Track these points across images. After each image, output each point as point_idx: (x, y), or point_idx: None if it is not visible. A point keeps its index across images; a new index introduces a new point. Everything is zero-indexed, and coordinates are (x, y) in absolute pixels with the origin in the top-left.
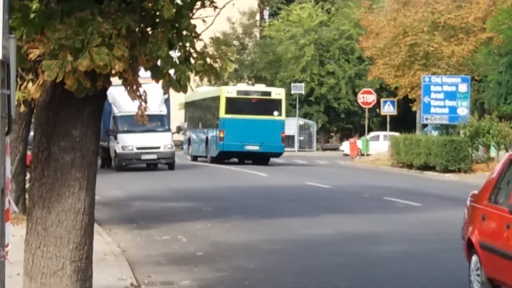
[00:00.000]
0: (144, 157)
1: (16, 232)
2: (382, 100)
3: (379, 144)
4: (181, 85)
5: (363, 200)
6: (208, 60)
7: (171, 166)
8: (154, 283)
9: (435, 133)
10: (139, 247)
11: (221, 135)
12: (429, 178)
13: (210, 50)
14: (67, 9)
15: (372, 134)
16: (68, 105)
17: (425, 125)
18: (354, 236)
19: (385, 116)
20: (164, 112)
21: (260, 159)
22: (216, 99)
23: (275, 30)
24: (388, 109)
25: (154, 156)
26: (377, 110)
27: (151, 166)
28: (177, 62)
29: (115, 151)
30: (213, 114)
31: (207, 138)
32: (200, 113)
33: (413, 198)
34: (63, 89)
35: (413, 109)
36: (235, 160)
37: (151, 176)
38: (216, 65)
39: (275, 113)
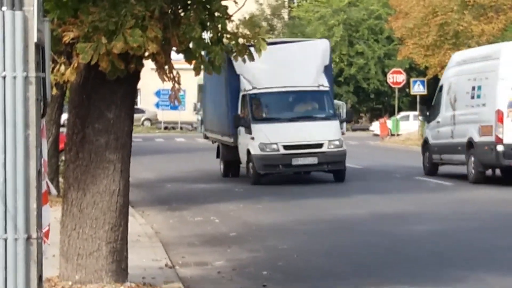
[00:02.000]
0: (296, 161)
1: (51, 214)
2: (411, 80)
3: (409, 124)
4: (214, 66)
5: (394, 180)
6: (241, 40)
7: (339, 175)
8: (188, 263)
9: None
10: (172, 228)
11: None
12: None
13: (242, 30)
14: None
15: (402, 114)
16: (101, 87)
17: None
18: (386, 216)
19: (415, 96)
20: (326, 87)
21: None
22: None
23: (304, 11)
24: (418, 88)
25: (312, 160)
26: (407, 90)
27: (301, 173)
28: (210, 43)
29: (248, 151)
30: None
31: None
32: None
33: (444, 178)
34: (97, 72)
35: None
36: None
37: (181, 158)
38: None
39: None
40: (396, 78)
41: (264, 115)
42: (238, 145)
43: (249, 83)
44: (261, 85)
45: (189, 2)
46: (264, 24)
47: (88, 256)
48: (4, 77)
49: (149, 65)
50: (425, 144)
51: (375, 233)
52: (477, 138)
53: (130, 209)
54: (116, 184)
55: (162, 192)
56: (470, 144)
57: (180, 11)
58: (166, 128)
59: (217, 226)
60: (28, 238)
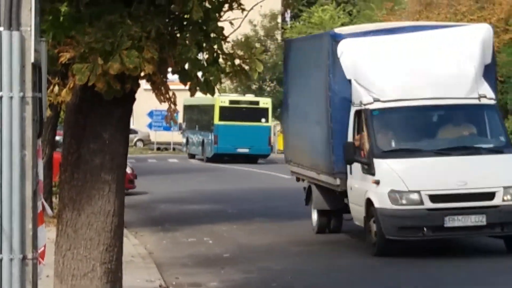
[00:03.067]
0: (452, 222)
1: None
2: None
3: None
4: (208, 87)
5: None
6: (237, 61)
7: None
8: (182, 284)
9: None
10: (165, 249)
11: (215, 139)
12: None
13: (238, 51)
14: (96, 13)
15: None
16: (97, 107)
17: None
18: None
19: None
20: (490, 98)
21: (250, 159)
22: (211, 107)
23: (297, 32)
24: None
25: (478, 220)
26: None
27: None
28: (205, 64)
29: (367, 202)
30: (209, 120)
31: (203, 140)
32: (198, 117)
33: None
34: (93, 92)
35: None
36: (227, 159)
37: (174, 178)
38: (245, 66)
39: (263, 120)
40: None
41: (394, 145)
42: (348, 190)
43: (368, 92)
44: (388, 96)
45: (185, 23)
46: (257, 45)
47: (83, 277)
48: (0, 97)
49: (143, 85)
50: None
51: (369, 254)
52: None
53: (124, 230)
54: (111, 205)
55: (155, 213)
56: None
57: (176, 32)
58: (158, 148)
59: (211, 247)
60: (24, 258)
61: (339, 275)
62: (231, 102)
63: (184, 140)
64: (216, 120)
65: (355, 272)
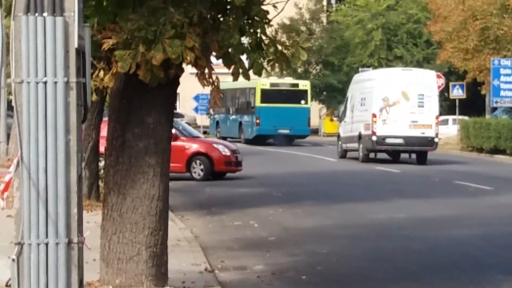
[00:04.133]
0: None
1: (91, 219)
2: (450, 84)
3: (448, 128)
4: (254, 71)
5: (433, 184)
6: (279, 47)
7: None
8: (228, 268)
9: (505, 117)
10: (211, 232)
11: (258, 121)
12: (500, 162)
13: (280, 37)
14: None
15: (441, 118)
16: (142, 93)
17: (494, 109)
18: (426, 220)
19: (454, 100)
20: None
21: (289, 140)
22: (251, 89)
23: (342, 15)
24: (457, 92)
25: None
26: (446, 94)
27: None
28: (249, 49)
29: None
30: (248, 102)
31: (240, 122)
32: (232, 100)
33: (484, 182)
34: (137, 77)
35: (482, 92)
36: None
37: None
38: (287, 53)
39: (302, 101)
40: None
41: None
42: None
43: None
44: None
45: (228, 7)
46: (303, 28)
47: (128, 261)
48: (45, 83)
49: (188, 69)
50: (338, 136)
51: (414, 237)
52: (363, 132)
53: (170, 214)
54: (156, 189)
55: (201, 197)
56: (360, 136)
57: (219, 16)
58: (205, 132)
59: (256, 231)
60: (69, 242)
61: (384, 259)
62: (272, 85)
63: (212, 122)
64: (258, 103)
65: (399, 257)
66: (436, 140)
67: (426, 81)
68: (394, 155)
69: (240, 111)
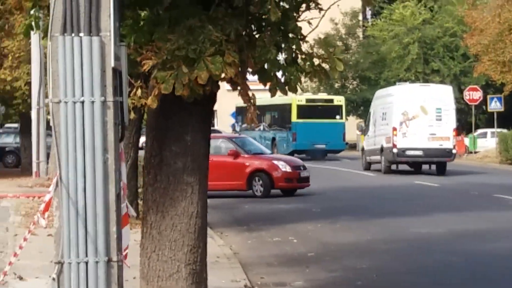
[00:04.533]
0: None
1: (131, 237)
2: (488, 96)
3: (487, 141)
4: (290, 87)
5: (472, 198)
6: (316, 60)
7: None
8: (267, 284)
9: None
10: (250, 248)
11: (294, 136)
12: None
13: (316, 50)
14: (175, 16)
15: (480, 131)
16: (179, 110)
17: None
18: (466, 234)
19: (492, 113)
20: None
21: (323, 155)
22: (287, 106)
23: (378, 30)
24: (495, 105)
25: None
26: (484, 107)
27: None
28: (284, 64)
29: None
30: (282, 118)
31: (273, 138)
32: (263, 116)
33: None
34: (173, 95)
35: None
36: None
37: None
38: (325, 66)
39: (337, 116)
40: (472, 95)
41: None
42: None
43: None
44: None
45: (263, 23)
46: (339, 43)
47: (168, 278)
48: (82, 102)
49: (225, 86)
50: (363, 150)
51: (455, 252)
52: (385, 145)
53: (209, 231)
54: (194, 206)
55: (240, 213)
56: (382, 148)
57: (254, 33)
58: None
59: (295, 246)
60: (109, 261)
61: (424, 274)
62: (308, 100)
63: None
64: (294, 118)
65: (439, 271)
66: (454, 151)
67: (443, 96)
68: (415, 167)
69: (273, 126)
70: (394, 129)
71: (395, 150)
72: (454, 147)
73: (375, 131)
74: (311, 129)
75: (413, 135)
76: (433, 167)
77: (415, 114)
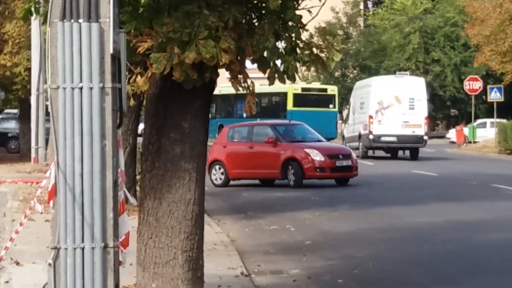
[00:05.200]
0: None
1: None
2: (488, 86)
3: (486, 131)
4: (288, 76)
5: (470, 187)
6: (315, 50)
7: None
8: (264, 272)
9: None
10: (248, 236)
11: None
12: None
13: (316, 40)
14: (175, 3)
15: (479, 121)
16: (177, 97)
17: None
18: (463, 224)
19: (492, 103)
20: None
21: None
22: (283, 94)
23: (379, 19)
24: (495, 95)
25: None
26: (484, 97)
27: None
28: (284, 52)
29: None
30: (278, 106)
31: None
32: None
33: None
34: (172, 82)
35: None
36: None
37: None
38: (322, 55)
39: (330, 105)
40: (472, 85)
41: None
42: None
43: None
44: None
45: (263, 12)
46: (340, 32)
47: (164, 265)
48: (81, 88)
49: (225, 74)
50: (343, 137)
51: (452, 241)
52: (362, 132)
53: (206, 218)
54: (192, 193)
55: (238, 201)
56: (359, 135)
57: (254, 21)
58: None
59: (293, 234)
60: (105, 247)
61: (421, 263)
62: (303, 89)
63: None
64: (290, 106)
65: (437, 260)
66: (425, 137)
67: (416, 87)
68: (391, 152)
69: (265, 115)
70: (371, 117)
71: (371, 137)
72: (425, 134)
73: (354, 119)
74: (306, 117)
75: (388, 123)
76: (407, 153)
77: (390, 103)
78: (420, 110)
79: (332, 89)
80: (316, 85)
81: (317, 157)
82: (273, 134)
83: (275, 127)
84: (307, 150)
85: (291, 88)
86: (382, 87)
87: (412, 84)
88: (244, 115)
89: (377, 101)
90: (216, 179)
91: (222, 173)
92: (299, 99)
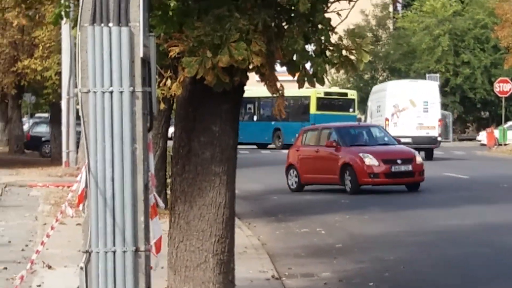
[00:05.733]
0: None
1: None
2: None
3: None
4: (317, 78)
5: (502, 190)
6: (344, 52)
7: None
8: (295, 275)
9: None
10: (278, 239)
11: None
12: None
13: (345, 42)
14: (204, 7)
15: (510, 123)
16: (207, 101)
17: None
18: (495, 227)
19: None
20: None
21: None
22: (306, 98)
23: (409, 21)
24: None
25: None
26: None
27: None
28: (313, 55)
29: None
30: (300, 109)
31: (277, 128)
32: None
33: None
34: (202, 85)
35: None
36: None
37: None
38: (352, 57)
39: (350, 110)
40: (503, 87)
41: None
42: None
43: None
44: None
45: (292, 15)
46: (369, 35)
47: (196, 268)
48: (111, 92)
49: (255, 77)
50: None
51: (484, 244)
52: None
53: (237, 221)
54: (222, 197)
55: (268, 204)
56: None
57: (283, 24)
58: None
59: (323, 237)
60: (136, 250)
61: (452, 266)
62: (325, 93)
63: None
64: (313, 110)
65: (468, 263)
66: (439, 139)
67: (430, 91)
68: None
69: (287, 118)
70: (387, 119)
71: None
72: (439, 135)
73: (371, 122)
74: (328, 120)
75: (403, 125)
76: (422, 154)
77: (405, 106)
78: (433, 112)
79: (352, 94)
80: (336, 89)
81: (371, 162)
82: (335, 138)
83: (338, 130)
84: (361, 155)
85: (314, 92)
86: (398, 91)
87: (426, 88)
88: (255, 118)
89: (393, 104)
90: (292, 184)
91: (296, 177)
92: (322, 103)
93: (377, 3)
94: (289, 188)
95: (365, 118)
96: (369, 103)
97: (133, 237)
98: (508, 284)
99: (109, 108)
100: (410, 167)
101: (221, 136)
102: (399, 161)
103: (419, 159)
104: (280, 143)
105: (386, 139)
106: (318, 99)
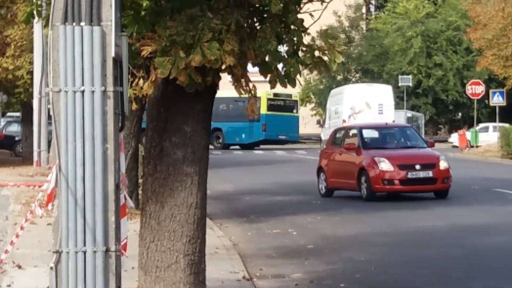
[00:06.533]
0: None
1: (130, 227)
2: (491, 91)
3: (489, 136)
4: (289, 80)
5: (473, 191)
6: (317, 53)
7: None
8: (266, 276)
9: None
10: (250, 240)
11: (264, 126)
12: None
13: (318, 43)
14: (177, 6)
15: (481, 125)
16: (179, 101)
17: None
18: (466, 228)
19: (494, 107)
20: None
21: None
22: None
23: (382, 23)
24: (497, 100)
25: None
26: (486, 101)
27: None
28: (286, 56)
29: None
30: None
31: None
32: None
33: None
34: (174, 85)
35: None
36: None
37: (258, 170)
38: (325, 58)
39: (294, 111)
40: (475, 89)
41: None
42: None
43: None
44: None
45: (265, 15)
46: (342, 36)
47: (166, 269)
48: (82, 92)
49: (227, 77)
50: (320, 140)
51: (455, 245)
52: None
53: (209, 222)
54: (194, 197)
55: (240, 205)
56: None
57: (256, 24)
58: None
59: (295, 238)
60: (107, 250)
61: (423, 267)
62: (274, 95)
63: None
64: (264, 110)
65: (439, 264)
66: None
67: (384, 94)
68: None
69: (235, 118)
70: (344, 121)
71: None
72: None
73: (329, 123)
74: (276, 121)
75: None
76: None
77: (361, 108)
78: (388, 114)
79: (295, 95)
80: (283, 91)
81: (385, 167)
82: (356, 140)
83: (361, 131)
84: (376, 159)
85: (265, 93)
86: (354, 94)
87: (381, 91)
88: None
89: (350, 106)
90: (321, 188)
91: (325, 182)
92: (271, 104)
93: (350, 5)
94: (319, 192)
95: (324, 120)
96: (328, 105)
97: (103, 237)
98: (478, 285)
99: (80, 108)
100: (430, 173)
101: (193, 137)
102: (417, 167)
103: (444, 164)
104: (219, 144)
105: (413, 141)
106: (268, 99)
